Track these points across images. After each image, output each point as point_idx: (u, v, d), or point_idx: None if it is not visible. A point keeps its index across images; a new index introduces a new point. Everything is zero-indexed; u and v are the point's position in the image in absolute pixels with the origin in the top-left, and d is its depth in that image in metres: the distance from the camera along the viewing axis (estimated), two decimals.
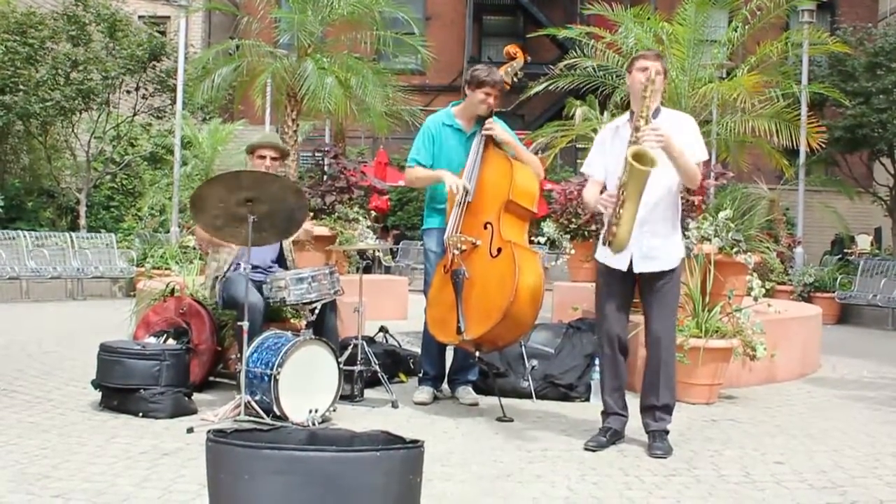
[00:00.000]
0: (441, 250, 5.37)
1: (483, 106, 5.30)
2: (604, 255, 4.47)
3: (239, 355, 4.76)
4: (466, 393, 5.53)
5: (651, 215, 4.31)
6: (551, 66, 11.36)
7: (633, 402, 4.61)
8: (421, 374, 5.67)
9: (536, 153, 5.86)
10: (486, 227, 5.02)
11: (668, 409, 4.43)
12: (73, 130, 16.27)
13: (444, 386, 5.68)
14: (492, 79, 5.28)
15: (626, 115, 4.48)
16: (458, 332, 4.86)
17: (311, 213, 7.46)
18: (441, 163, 5.42)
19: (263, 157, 5.42)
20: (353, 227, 8.16)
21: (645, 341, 4.52)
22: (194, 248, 9.88)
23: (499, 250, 4.92)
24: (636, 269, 4.35)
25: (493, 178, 5.12)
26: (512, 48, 5.58)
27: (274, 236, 5.08)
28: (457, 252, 4.99)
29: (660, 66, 4.38)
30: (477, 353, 5.00)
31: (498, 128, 5.28)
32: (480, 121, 5.36)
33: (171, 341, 5.44)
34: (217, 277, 5.45)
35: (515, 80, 5.56)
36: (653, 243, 4.34)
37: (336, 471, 2.42)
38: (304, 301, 4.91)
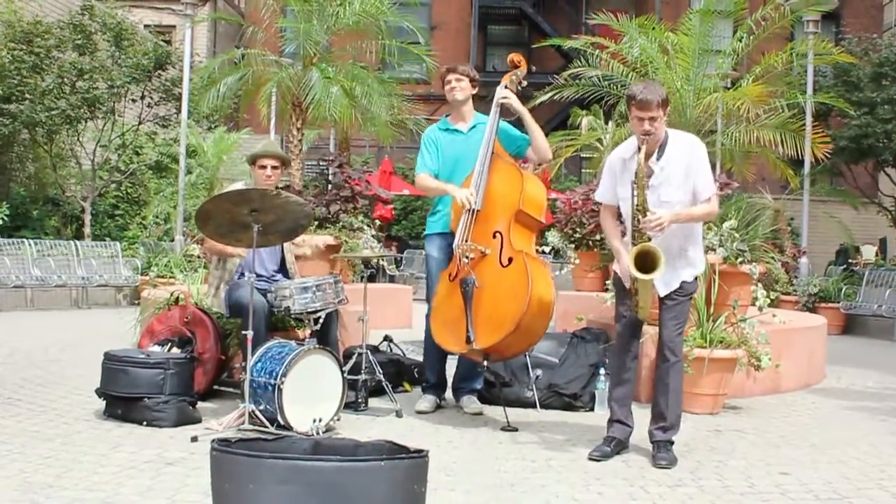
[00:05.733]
0: (443, 256, 5.36)
1: (452, 91, 5.44)
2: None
3: (243, 364, 4.76)
4: (471, 402, 5.52)
5: (666, 253, 4.32)
6: (556, 76, 11.36)
7: (637, 412, 4.61)
8: (424, 384, 5.67)
9: (541, 163, 5.85)
10: (495, 237, 4.98)
11: (674, 420, 4.43)
12: (78, 139, 16.29)
13: (449, 395, 5.68)
14: (452, 66, 5.52)
15: (632, 145, 4.39)
16: (468, 341, 4.83)
17: (316, 223, 7.46)
18: (448, 166, 5.44)
19: (265, 167, 5.43)
20: (358, 237, 8.17)
21: (657, 347, 4.52)
22: (199, 257, 9.90)
23: (510, 260, 4.90)
24: (660, 294, 4.41)
25: (503, 188, 5.09)
26: (516, 56, 5.54)
27: (279, 239, 5.14)
28: (465, 260, 4.96)
29: (654, 113, 4.21)
30: (485, 363, 4.98)
31: (513, 97, 5.32)
32: (477, 123, 5.43)
33: (175, 350, 5.44)
34: (220, 286, 5.46)
35: (520, 88, 5.55)
36: (672, 275, 4.38)
37: (340, 480, 2.42)
38: (309, 310, 4.91)
